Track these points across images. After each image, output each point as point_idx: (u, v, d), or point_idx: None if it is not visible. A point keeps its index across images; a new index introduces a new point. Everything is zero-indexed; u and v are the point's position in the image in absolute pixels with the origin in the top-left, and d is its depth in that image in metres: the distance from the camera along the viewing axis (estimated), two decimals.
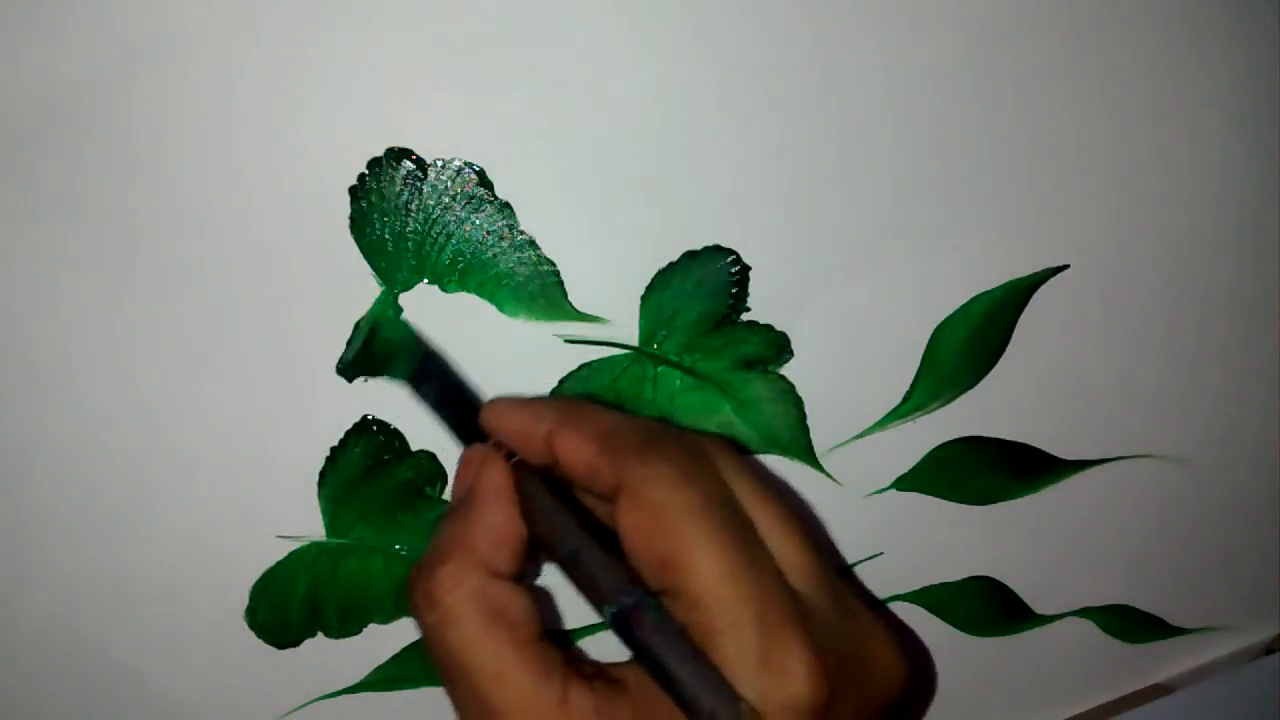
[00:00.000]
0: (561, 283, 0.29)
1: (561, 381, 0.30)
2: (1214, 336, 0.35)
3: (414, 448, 0.29)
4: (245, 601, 0.29)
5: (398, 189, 0.27)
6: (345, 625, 0.30)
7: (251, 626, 0.30)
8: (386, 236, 0.28)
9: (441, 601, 0.24)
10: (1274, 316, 0.35)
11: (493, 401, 0.26)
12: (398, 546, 0.30)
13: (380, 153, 0.27)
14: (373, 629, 0.31)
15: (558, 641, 0.26)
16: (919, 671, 0.36)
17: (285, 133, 0.26)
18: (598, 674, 0.24)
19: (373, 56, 0.26)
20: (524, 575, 0.26)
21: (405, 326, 0.28)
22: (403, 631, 0.31)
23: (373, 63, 0.26)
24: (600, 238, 0.29)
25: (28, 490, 0.28)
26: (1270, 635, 0.39)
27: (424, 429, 0.29)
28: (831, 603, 0.24)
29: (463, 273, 0.28)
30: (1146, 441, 0.35)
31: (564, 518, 0.25)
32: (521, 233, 0.28)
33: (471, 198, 0.28)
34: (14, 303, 0.26)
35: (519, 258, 0.28)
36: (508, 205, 0.28)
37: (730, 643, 0.22)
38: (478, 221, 0.28)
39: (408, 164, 0.27)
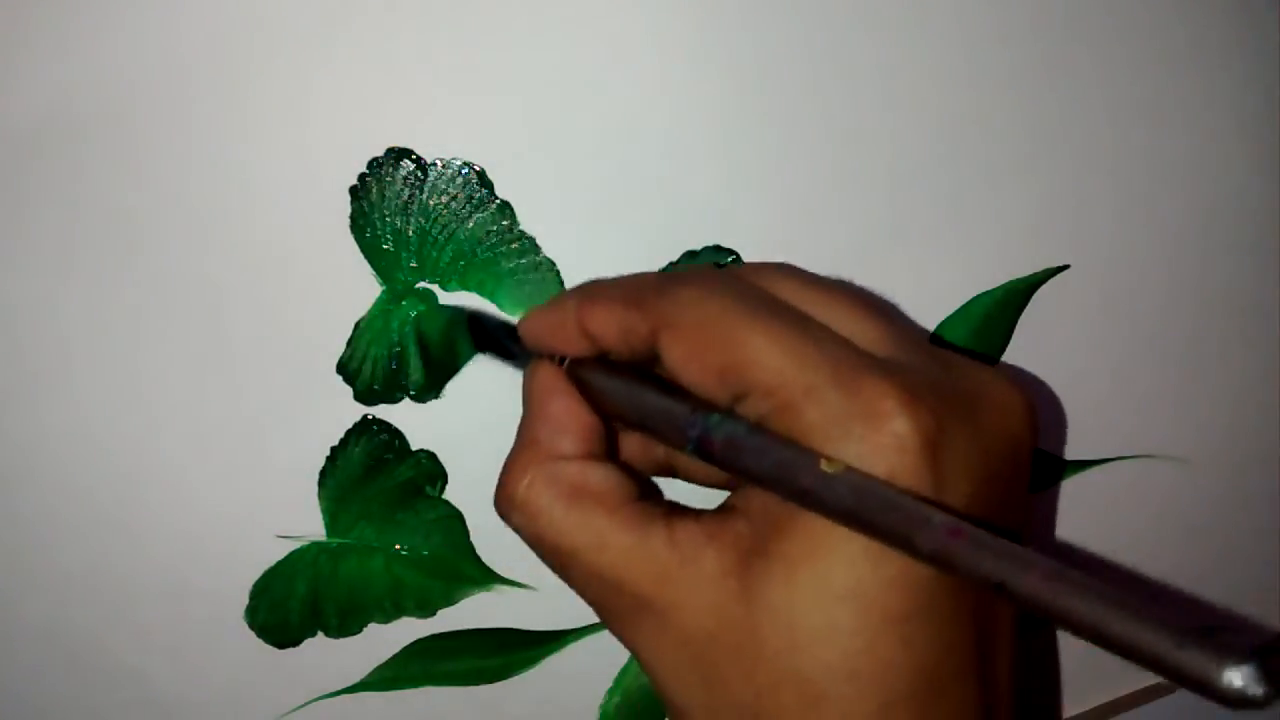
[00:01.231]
0: (562, 282, 0.29)
1: None
2: (1214, 336, 0.35)
3: (414, 447, 0.29)
4: (245, 601, 0.29)
5: (398, 189, 0.27)
6: (345, 625, 0.30)
7: (251, 626, 0.30)
8: (386, 236, 0.28)
9: (516, 496, 0.23)
10: (1274, 316, 0.35)
11: (522, 318, 0.26)
12: (398, 546, 0.30)
13: (380, 153, 0.27)
14: (373, 629, 0.31)
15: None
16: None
17: (285, 133, 0.26)
18: (706, 511, 0.23)
19: (373, 56, 0.26)
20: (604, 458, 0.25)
21: (442, 309, 0.28)
22: (403, 631, 0.31)
23: (373, 63, 0.26)
24: (600, 238, 0.29)
25: (27, 490, 0.28)
26: (1270, 635, 0.39)
27: (424, 429, 0.29)
28: (919, 357, 0.22)
29: (463, 272, 0.28)
30: (1146, 441, 0.35)
31: (624, 389, 0.24)
32: (521, 232, 0.28)
33: (471, 198, 0.28)
34: (12, 302, 0.26)
35: (519, 258, 0.28)
36: (508, 205, 0.28)
37: (812, 411, 0.21)
38: (478, 221, 0.28)
39: (408, 164, 0.27)
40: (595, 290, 0.25)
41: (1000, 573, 0.18)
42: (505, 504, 0.24)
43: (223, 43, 0.25)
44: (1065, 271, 0.32)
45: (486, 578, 0.31)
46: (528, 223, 0.28)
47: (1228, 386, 0.35)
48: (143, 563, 0.29)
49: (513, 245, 0.28)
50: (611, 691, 0.33)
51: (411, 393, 0.29)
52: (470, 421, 0.29)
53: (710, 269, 0.24)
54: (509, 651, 0.32)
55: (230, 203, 0.27)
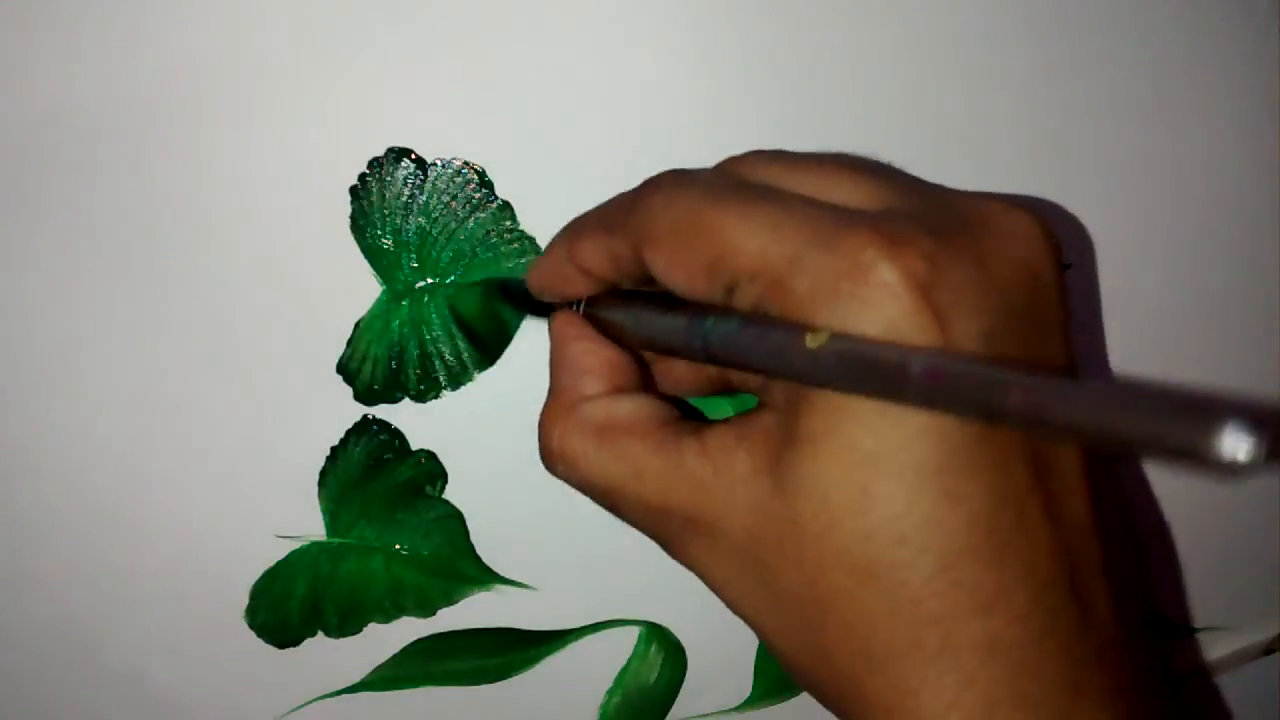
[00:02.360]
0: None
1: None
2: (1215, 336, 0.35)
3: (414, 447, 0.29)
4: (245, 601, 0.29)
5: (398, 189, 0.27)
6: (345, 625, 0.30)
7: (251, 626, 0.30)
8: (386, 236, 0.28)
9: (553, 447, 0.23)
10: (1275, 317, 0.35)
11: (526, 272, 0.26)
12: (398, 546, 0.30)
13: (380, 153, 0.27)
14: (373, 629, 0.31)
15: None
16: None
17: (285, 133, 0.26)
18: (738, 415, 0.23)
19: (373, 56, 0.26)
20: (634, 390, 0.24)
21: (471, 287, 0.28)
22: (403, 631, 0.31)
23: (373, 63, 0.26)
24: None
25: (27, 489, 0.28)
26: (1270, 635, 0.39)
27: (424, 429, 0.29)
28: (913, 202, 0.21)
29: (464, 272, 0.28)
30: None
31: (634, 317, 0.24)
32: (522, 232, 0.28)
33: (471, 198, 0.28)
34: (13, 302, 0.26)
35: (519, 258, 0.28)
36: (508, 205, 0.28)
37: (800, 281, 0.19)
38: (478, 221, 0.28)
39: (408, 164, 0.27)
40: (578, 224, 0.24)
41: (984, 403, 0.17)
42: (547, 458, 0.24)
43: (223, 43, 0.25)
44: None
45: (486, 578, 0.31)
46: (528, 223, 0.28)
47: (1228, 387, 0.35)
48: (143, 562, 0.29)
49: (513, 245, 0.28)
50: (611, 691, 0.33)
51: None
52: (470, 421, 0.29)
53: (683, 170, 0.24)
54: (509, 651, 0.32)
55: (230, 203, 0.27)
